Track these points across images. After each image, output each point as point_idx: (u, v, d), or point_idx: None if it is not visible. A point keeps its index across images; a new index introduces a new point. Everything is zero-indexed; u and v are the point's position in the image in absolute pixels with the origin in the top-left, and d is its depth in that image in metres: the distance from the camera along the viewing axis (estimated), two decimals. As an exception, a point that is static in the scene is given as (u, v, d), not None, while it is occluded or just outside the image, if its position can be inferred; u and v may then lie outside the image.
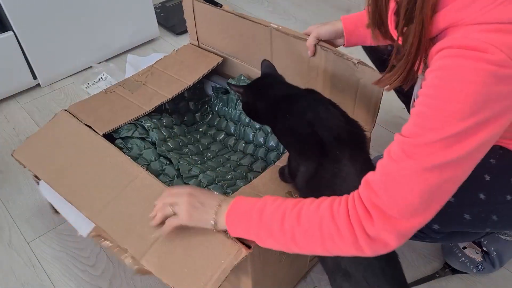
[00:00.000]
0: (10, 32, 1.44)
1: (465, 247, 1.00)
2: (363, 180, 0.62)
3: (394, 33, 0.66)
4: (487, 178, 0.75)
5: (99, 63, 1.64)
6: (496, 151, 0.76)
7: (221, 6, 1.11)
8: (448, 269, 1.01)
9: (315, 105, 0.76)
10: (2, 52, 1.45)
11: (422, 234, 0.80)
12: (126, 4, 1.64)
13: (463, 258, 0.99)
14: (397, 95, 1.13)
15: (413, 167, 0.56)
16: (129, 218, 0.80)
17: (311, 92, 0.81)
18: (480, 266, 0.99)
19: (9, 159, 1.30)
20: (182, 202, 0.73)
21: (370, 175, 0.61)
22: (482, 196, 0.75)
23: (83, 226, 0.84)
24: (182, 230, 0.75)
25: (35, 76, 1.56)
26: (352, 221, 0.60)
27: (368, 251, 0.61)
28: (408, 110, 1.13)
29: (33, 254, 1.07)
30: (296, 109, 0.77)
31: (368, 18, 0.70)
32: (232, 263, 0.70)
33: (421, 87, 0.59)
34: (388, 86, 0.69)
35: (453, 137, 0.54)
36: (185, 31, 1.86)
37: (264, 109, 0.81)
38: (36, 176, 0.95)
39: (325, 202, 0.64)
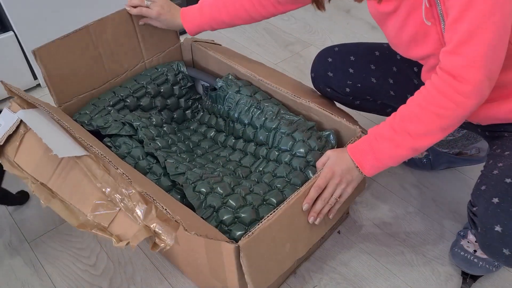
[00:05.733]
0: (10, 32, 1.44)
1: (475, 250, 0.99)
2: None
3: None
4: None
5: (99, 63, 1.64)
6: None
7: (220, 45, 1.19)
8: (469, 279, 0.99)
9: None
10: (2, 52, 1.45)
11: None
12: (126, 4, 1.64)
13: (481, 263, 0.98)
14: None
15: None
16: None
17: None
18: (496, 263, 0.99)
19: (9, 159, 1.30)
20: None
21: None
22: None
23: (63, 150, 0.82)
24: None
25: (35, 76, 1.56)
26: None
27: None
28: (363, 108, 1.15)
29: (34, 254, 1.08)
30: None
31: None
32: (222, 238, 0.73)
33: None
34: None
35: None
36: (185, 31, 1.86)
37: None
38: (19, 104, 0.93)
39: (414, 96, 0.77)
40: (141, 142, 1.02)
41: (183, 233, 0.85)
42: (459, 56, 0.70)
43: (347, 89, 1.05)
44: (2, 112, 0.92)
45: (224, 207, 0.86)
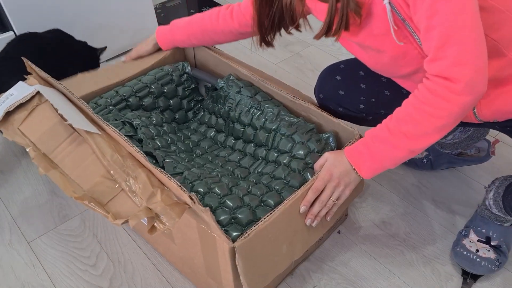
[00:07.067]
0: (10, 32, 1.44)
1: (477, 250, 0.99)
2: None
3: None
4: None
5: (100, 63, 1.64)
6: None
7: None
8: (469, 279, 0.99)
9: None
10: (3, 52, 1.45)
11: None
12: (126, 4, 1.64)
13: (483, 262, 0.98)
14: None
15: None
16: None
17: None
18: (498, 263, 0.99)
19: (9, 159, 1.31)
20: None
21: None
22: None
23: (77, 123, 0.84)
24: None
25: (36, 76, 1.57)
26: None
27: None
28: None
29: (34, 254, 1.08)
30: None
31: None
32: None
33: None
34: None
35: None
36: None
37: None
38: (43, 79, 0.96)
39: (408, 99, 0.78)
40: (140, 141, 1.01)
41: (180, 232, 0.85)
42: (443, 60, 0.70)
43: (361, 106, 1.01)
44: (16, 84, 0.93)
45: (221, 208, 0.85)
